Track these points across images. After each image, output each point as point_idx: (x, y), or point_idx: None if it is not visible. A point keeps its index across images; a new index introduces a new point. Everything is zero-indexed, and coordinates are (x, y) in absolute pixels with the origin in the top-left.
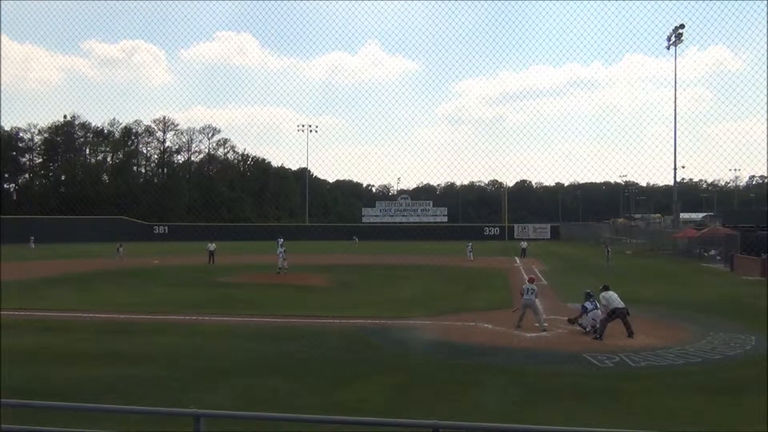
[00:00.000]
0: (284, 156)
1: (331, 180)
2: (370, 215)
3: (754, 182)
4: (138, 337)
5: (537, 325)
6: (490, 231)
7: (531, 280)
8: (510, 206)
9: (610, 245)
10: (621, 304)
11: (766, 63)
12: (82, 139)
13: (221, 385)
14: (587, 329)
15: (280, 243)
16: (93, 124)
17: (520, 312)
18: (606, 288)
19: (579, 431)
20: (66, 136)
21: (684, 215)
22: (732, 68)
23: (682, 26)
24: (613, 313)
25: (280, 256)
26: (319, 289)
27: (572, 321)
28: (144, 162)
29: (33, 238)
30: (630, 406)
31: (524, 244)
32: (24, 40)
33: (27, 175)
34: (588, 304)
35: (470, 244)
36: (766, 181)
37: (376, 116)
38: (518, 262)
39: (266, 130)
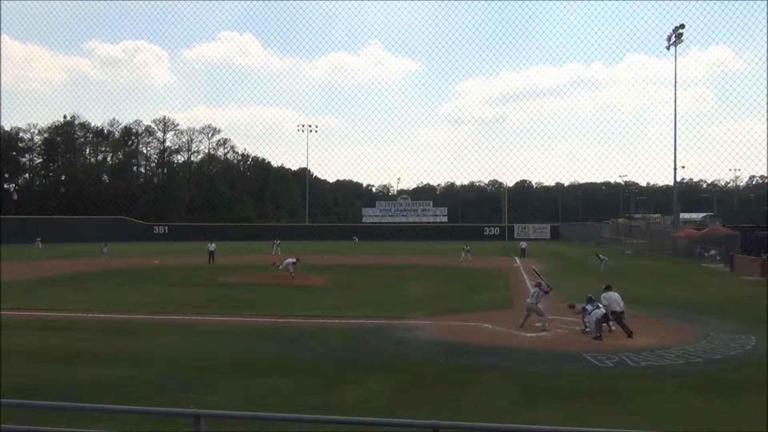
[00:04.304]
0: (284, 156)
1: (331, 180)
2: (370, 215)
3: (754, 182)
4: (138, 337)
5: (538, 325)
6: (490, 231)
7: (538, 285)
8: (510, 206)
9: (600, 253)
10: (620, 308)
11: (766, 63)
12: (82, 139)
13: (221, 385)
14: (587, 328)
15: (277, 244)
16: (93, 124)
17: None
18: (608, 288)
19: (579, 431)
20: (66, 136)
21: (684, 215)
22: (733, 68)
23: (682, 26)
24: (613, 315)
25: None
26: (319, 289)
27: (571, 306)
28: (144, 162)
29: (39, 239)
30: (630, 406)
31: (524, 244)
32: (27, 40)
33: (27, 175)
34: (589, 307)
35: (467, 246)
36: (766, 181)
37: (377, 116)
38: (518, 262)
39: (267, 130)
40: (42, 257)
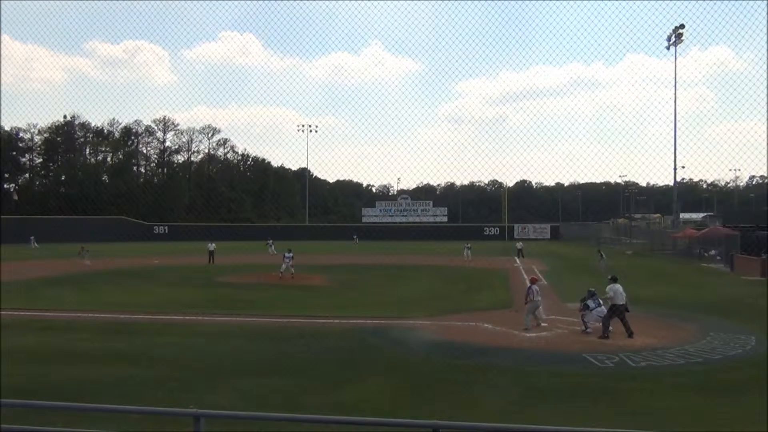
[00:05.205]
0: (284, 156)
1: (331, 180)
2: (370, 215)
3: (754, 182)
4: (138, 337)
5: (542, 324)
6: (490, 231)
7: (533, 281)
8: (510, 206)
9: (602, 251)
10: (622, 301)
11: (766, 63)
12: (82, 139)
13: (221, 385)
14: (588, 329)
15: (271, 244)
16: (93, 124)
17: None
18: (614, 279)
19: (579, 431)
20: (66, 136)
21: (684, 215)
22: (733, 68)
23: (682, 26)
24: (614, 310)
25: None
26: (319, 289)
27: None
28: (144, 162)
29: (33, 237)
30: (630, 406)
31: (519, 245)
32: (27, 40)
33: (27, 175)
34: (591, 303)
35: (469, 244)
36: (766, 181)
37: (378, 116)
38: (518, 262)
39: (267, 130)
40: (39, 257)
